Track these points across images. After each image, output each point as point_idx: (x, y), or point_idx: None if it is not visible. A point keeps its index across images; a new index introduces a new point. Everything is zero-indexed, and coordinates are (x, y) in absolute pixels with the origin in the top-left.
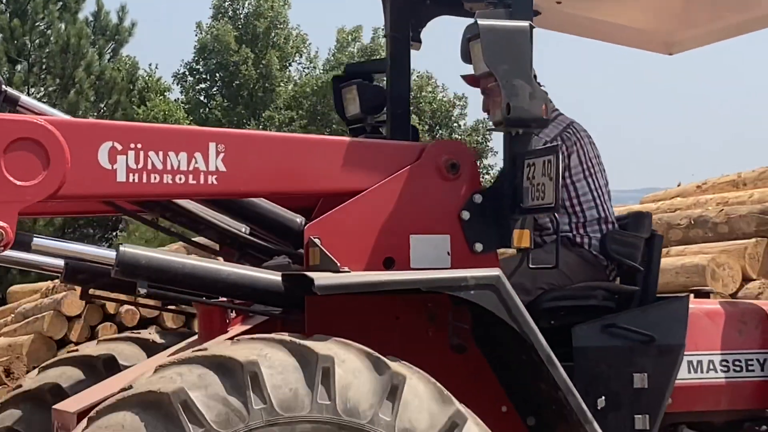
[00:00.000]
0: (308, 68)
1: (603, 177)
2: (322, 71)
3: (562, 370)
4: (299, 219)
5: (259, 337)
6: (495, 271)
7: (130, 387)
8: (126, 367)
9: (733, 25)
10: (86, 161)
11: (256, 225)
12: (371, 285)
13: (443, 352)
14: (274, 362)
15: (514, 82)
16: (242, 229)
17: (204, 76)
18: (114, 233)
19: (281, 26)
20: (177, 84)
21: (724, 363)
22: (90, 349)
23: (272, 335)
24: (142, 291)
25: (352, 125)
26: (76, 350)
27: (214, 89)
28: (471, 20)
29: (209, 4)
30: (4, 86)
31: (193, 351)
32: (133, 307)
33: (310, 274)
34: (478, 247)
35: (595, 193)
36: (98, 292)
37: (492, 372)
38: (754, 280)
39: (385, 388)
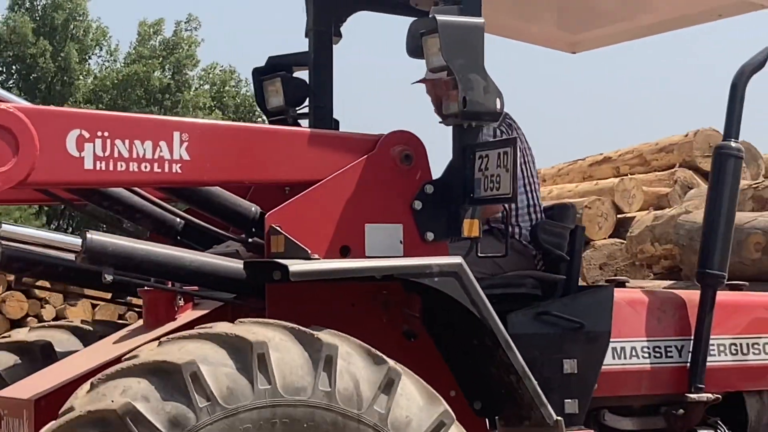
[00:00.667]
0: (108, 61)
1: (534, 166)
2: (122, 65)
3: (518, 354)
4: (254, 208)
5: (263, 321)
6: (457, 259)
7: (71, 408)
8: (63, 355)
9: (633, 28)
10: (55, 148)
11: (212, 212)
12: (345, 271)
13: (396, 338)
14: (279, 345)
15: (470, 76)
16: (176, 219)
17: (0, 69)
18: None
19: (80, 18)
20: None
21: (645, 349)
22: (23, 335)
23: (275, 320)
24: (108, 278)
25: (273, 117)
26: (8, 336)
27: (11, 82)
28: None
29: None
30: None
31: (197, 329)
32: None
33: (283, 261)
34: (430, 236)
35: (527, 181)
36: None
37: (441, 358)
38: None
39: (380, 380)
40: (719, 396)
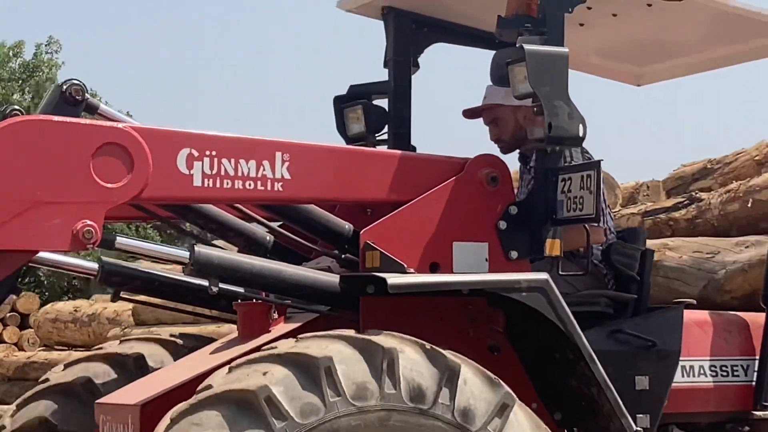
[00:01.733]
0: None
1: (605, 192)
2: None
3: (601, 367)
4: (348, 225)
5: (323, 334)
6: (544, 275)
7: (210, 386)
8: (153, 368)
9: (702, 61)
10: (166, 166)
11: (309, 230)
12: (440, 285)
13: (481, 351)
14: (344, 357)
15: (555, 103)
16: (267, 237)
17: None
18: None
19: None
20: None
21: (712, 368)
22: (116, 347)
23: (336, 332)
24: (214, 289)
25: (354, 143)
26: (101, 347)
27: None
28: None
29: None
30: (87, 94)
31: (264, 349)
32: None
33: (381, 275)
34: (513, 254)
35: (602, 205)
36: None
37: (523, 371)
38: None
39: (443, 375)
40: None
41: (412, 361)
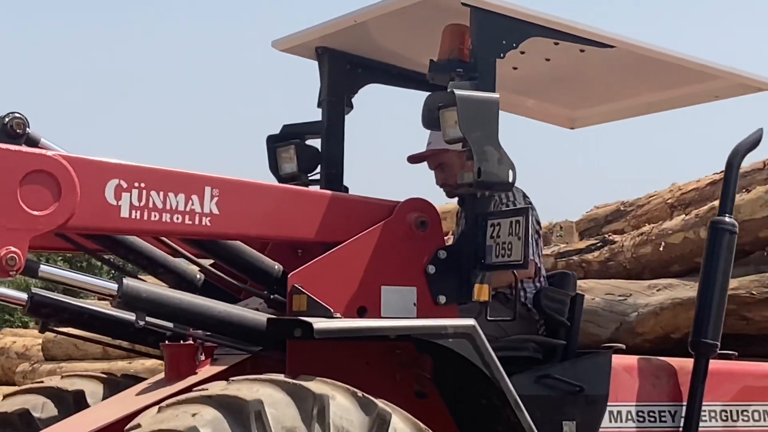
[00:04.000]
0: None
1: (541, 238)
2: None
3: (526, 413)
4: (277, 266)
5: (255, 377)
6: (470, 321)
7: (138, 426)
8: (93, 403)
9: (632, 107)
10: (94, 196)
11: (236, 268)
12: (365, 330)
13: (408, 396)
14: (275, 400)
15: (485, 148)
16: (197, 275)
17: None
18: None
19: None
20: None
21: (639, 413)
22: (55, 381)
23: (268, 375)
24: (141, 323)
25: (285, 183)
26: (41, 382)
27: None
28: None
29: None
30: (28, 128)
31: (195, 390)
32: None
33: (307, 318)
34: (442, 299)
35: (536, 253)
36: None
37: (449, 416)
38: None
39: (373, 424)
40: None
41: (343, 408)
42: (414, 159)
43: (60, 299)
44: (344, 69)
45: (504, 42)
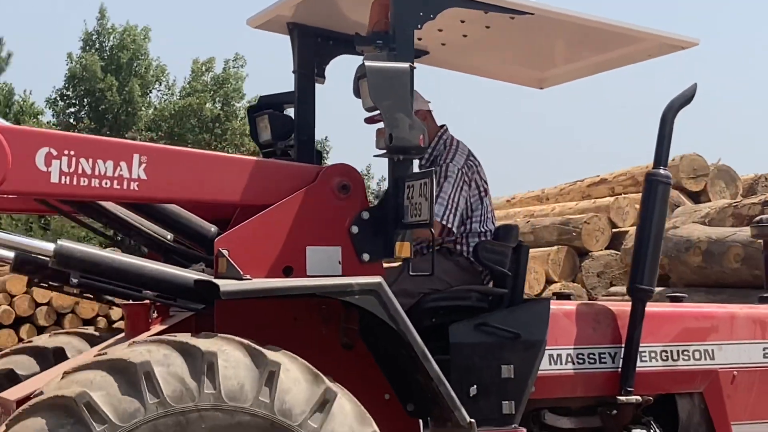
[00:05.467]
0: (167, 95)
1: (489, 199)
2: (178, 97)
3: (434, 363)
4: (213, 228)
5: (152, 339)
6: (376, 279)
7: (41, 393)
8: (69, 357)
9: (587, 66)
10: (25, 163)
11: (174, 231)
12: (268, 291)
13: (335, 349)
14: (164, 360)
15: (396, 116)
16: (167, 236)
17: (73, 101)
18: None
19: (142, 57)
20: (49, 108)
21: (579, 356)
22: (43, 340)
23: (163, 336)
24: (74, 281)
25: (265, 149)
26: (31, 341)
27: (83, 113)
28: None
29: (78, 37)
30: None
31: (95, 356)
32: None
33: (215, 280)
34: (366, 257)
35: (484, 210)
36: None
37: (376, 365)
38: (556, 282)
39: (263, 373)
40: (650, 398)
41: (233, 361)
42: (369, 120)
43: (41, 257)
44: (314, 42)
45: (421, 13)
